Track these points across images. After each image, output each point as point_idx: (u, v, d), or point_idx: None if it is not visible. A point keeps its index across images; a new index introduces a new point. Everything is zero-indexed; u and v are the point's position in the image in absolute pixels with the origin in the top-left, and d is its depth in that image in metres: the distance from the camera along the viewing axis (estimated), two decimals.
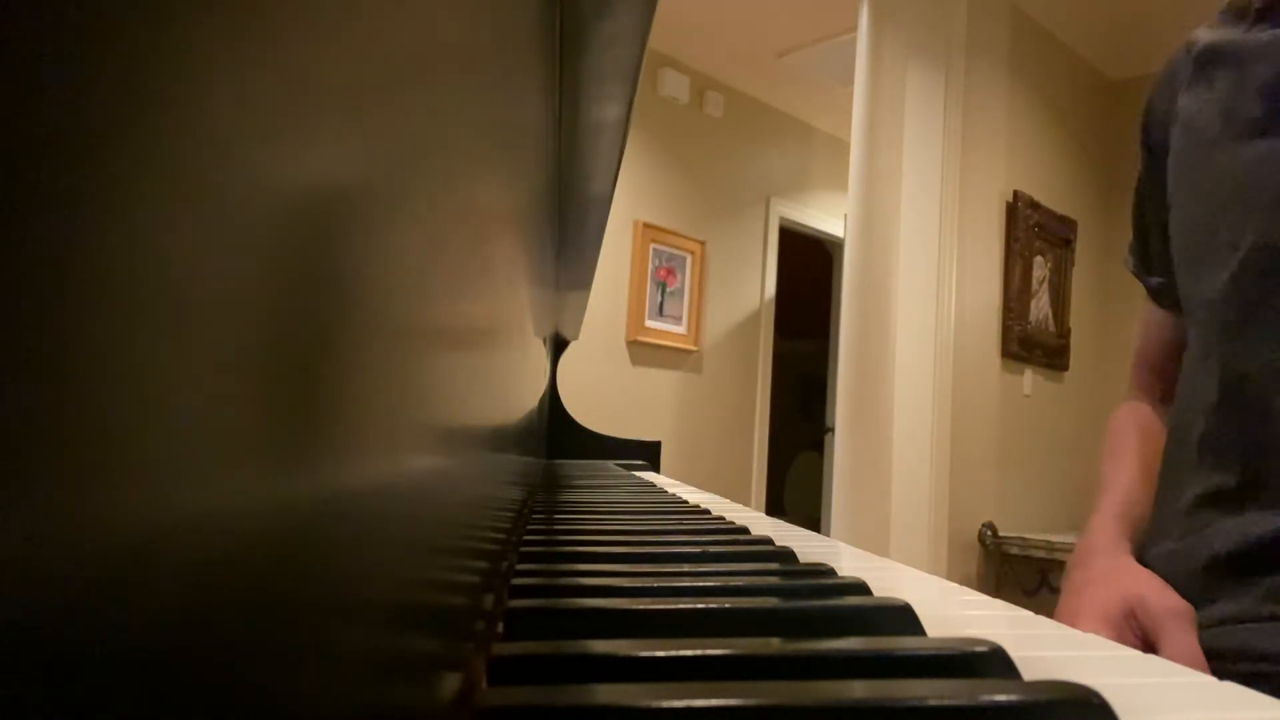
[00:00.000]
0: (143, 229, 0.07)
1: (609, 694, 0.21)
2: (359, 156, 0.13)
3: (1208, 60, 0.63)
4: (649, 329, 3.55)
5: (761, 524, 0.62)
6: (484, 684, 0.22)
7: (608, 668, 0.23)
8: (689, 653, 0.23)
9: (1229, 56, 0.62)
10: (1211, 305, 0.59)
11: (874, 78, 2.55)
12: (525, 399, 0.66)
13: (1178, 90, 0.66)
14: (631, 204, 3.47)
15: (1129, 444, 0.71)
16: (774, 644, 0.25)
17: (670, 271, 3.64)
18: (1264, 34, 0.60)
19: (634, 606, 0.28)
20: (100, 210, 0.06)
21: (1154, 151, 0.70)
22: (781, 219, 4.10)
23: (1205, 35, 0.65)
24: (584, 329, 1.67)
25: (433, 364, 0.19)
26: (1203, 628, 0.52)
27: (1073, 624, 0.45)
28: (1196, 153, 0.63)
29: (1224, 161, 0.60)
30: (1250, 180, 0.57)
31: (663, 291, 3.62)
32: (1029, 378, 2.95)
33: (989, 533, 2.69)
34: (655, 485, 0.95)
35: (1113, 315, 3.19)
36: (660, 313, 3.61)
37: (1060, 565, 2.59)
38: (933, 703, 0.20)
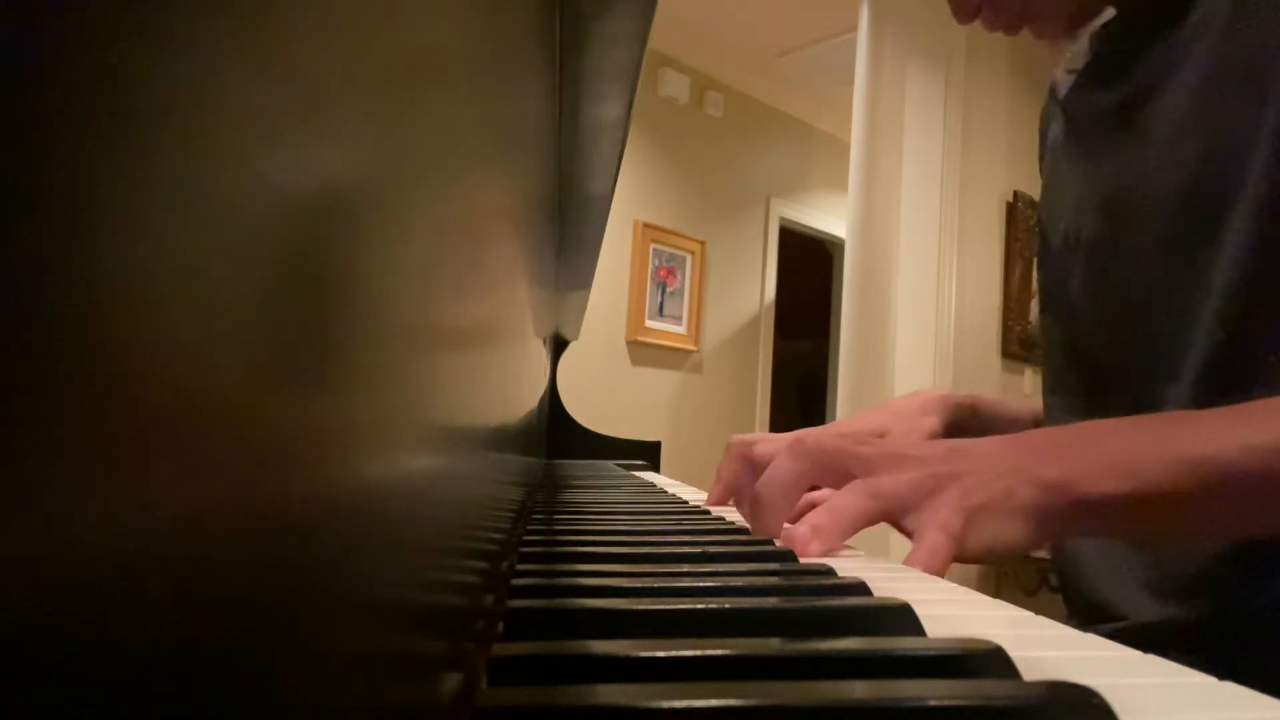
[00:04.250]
0: (144, 229, 0.07)
1: (609, 694, 0.21)
2: (357, 156, 0.13)
3: (1052, 95, 0.71)
4: (649, 329, 3.56)
5: None
6: (484, 684, 0.22)
7: (608, 668, 0.23)
8: (689, 653, 0.23)
9: (1056, 92, 0.70)
10: (1073, 304, 0.66)
11: (874, 78, 2.55)
12: (525, 399, 0.66)
13: (1048, 125, 0.74)
14: (631, 204, 3.47)
15: None
16: (774, 644, 0.25)
17: (670, 271, 3.65)
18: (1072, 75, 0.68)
19: (634, 607, 0.28)
20: (102, 210, 0.06)
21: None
22: (781, 219, 4.10)
23: (1058, 73, 0.71)
24: (584, 329, 1.67)
25: (433, 364, 0.19)
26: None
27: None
28: (1050, 172, 0.72)
29: (1066, 177, 0.68)
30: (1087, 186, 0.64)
31: (663, 291, 3.62)
32: (1029, 378, 2.95)
33: None
34: (655, 485, 0.95)
35: None
36: (660, 313, 3.61)
37: None
38: (933, 703, 0.20)
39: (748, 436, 0.64)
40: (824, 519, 0.44)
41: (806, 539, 0.44)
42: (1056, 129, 0.71)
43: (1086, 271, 0.64)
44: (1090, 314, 0.64)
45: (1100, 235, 0.62)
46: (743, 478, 0.62)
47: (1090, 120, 0.65)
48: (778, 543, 0.46)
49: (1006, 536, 0.43)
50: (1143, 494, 0.42)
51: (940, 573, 0.41)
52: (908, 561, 0.42)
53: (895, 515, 0.45)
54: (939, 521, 0.43)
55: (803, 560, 0.41)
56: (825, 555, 0.44)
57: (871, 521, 0.45)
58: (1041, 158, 0.76)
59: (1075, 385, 0.67)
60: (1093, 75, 0.65)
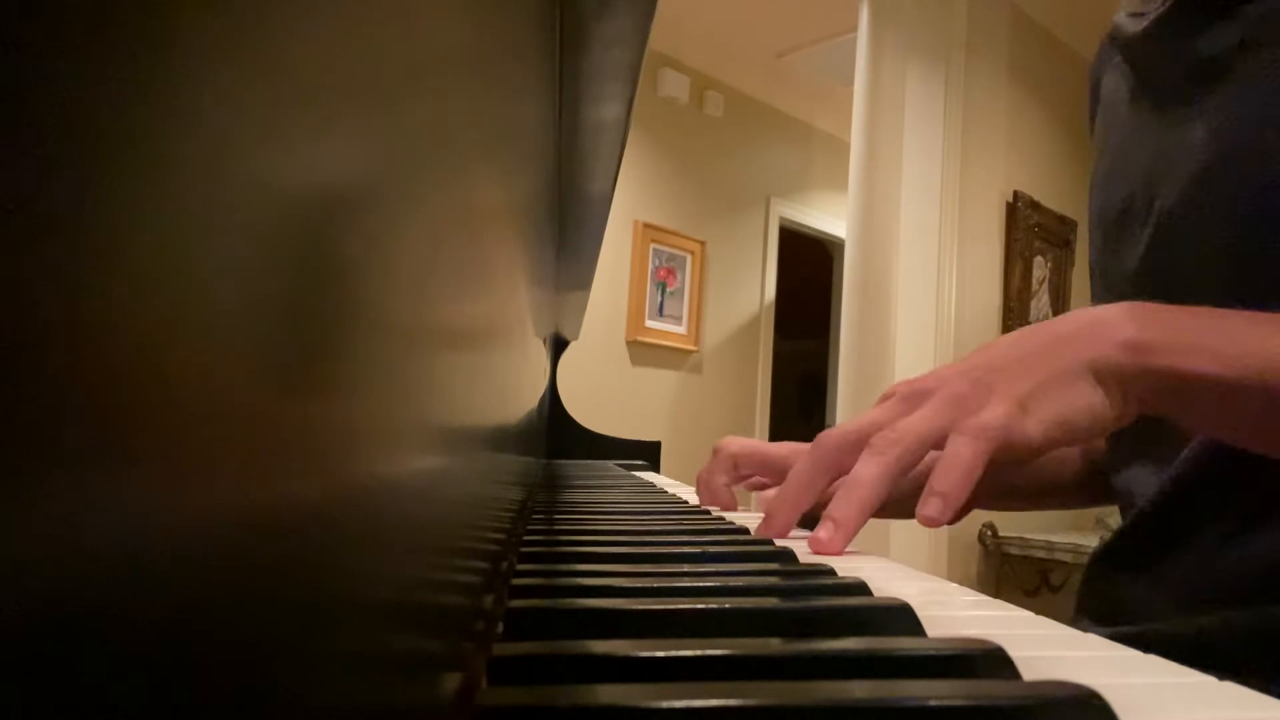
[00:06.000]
0: (141, 228, 0.07)
1: (609, 694, 0.21)
2: (358, 156, 0.13)
3: (1115, 42, 0.64)
4: (649, 329, 3.55)
5: None
6: (484, 684, 0.22)
7: (608, 668, 0.23)
8: (689, 653, 0.23)
9: (1121, 40, 0.63)
10: (1130, 278, 0.59)
11: (874, 78, 2.55)
12: (525, 399, 0.66)
13: (1102, 74, 0.66)
14: (631, 204, 3.47)
15: None
16: (774, 644, 0.25)
17: (670, 271, 3.65)
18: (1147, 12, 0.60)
19: (634, 607, 0.28)
20: (98, 209, 0.06)
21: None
22: (781, 219, 4.10)
23: (1119, 16, 0.64)
24: (584, 329, 1.67)
25: (433, 364, 0.19)
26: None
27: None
28: (1112, 131, 0.63)
29: (1135, 138, 0.60)
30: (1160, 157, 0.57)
31: (663, 291, 3.62)
32: None
33: (989, 533, 2.69)
34: (655, 485, 0.95)
35: None
36: (660, 313, 3.61)
37: (1060, 565, 2.59)
38: (933, 703, 0.20)
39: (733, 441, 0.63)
40: (840, 503, 0.43)
41: (829, 537, 0.43)
42: (1115, 80, 0.63)
43: (1154, 246, 0.56)
44: (1152, 295, 0.57)
45: (1179, 205, 0.54)
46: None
47: (1171, 72, 0.56)
48: (778, 542, 0.46)
49: (1080, 403, 0.40)
50: (1228, 379, 0.39)
51: (960, 494, 0.38)
52: (923, 503, 0.39)
53: (927, 449, 0.41)
54: (973, 428, 0.39)
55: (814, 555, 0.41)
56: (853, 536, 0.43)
57: (900, 472, 0.42)
58: (1093, 115, 0.67)
59: None
60: (1177, 20, 0.56)
